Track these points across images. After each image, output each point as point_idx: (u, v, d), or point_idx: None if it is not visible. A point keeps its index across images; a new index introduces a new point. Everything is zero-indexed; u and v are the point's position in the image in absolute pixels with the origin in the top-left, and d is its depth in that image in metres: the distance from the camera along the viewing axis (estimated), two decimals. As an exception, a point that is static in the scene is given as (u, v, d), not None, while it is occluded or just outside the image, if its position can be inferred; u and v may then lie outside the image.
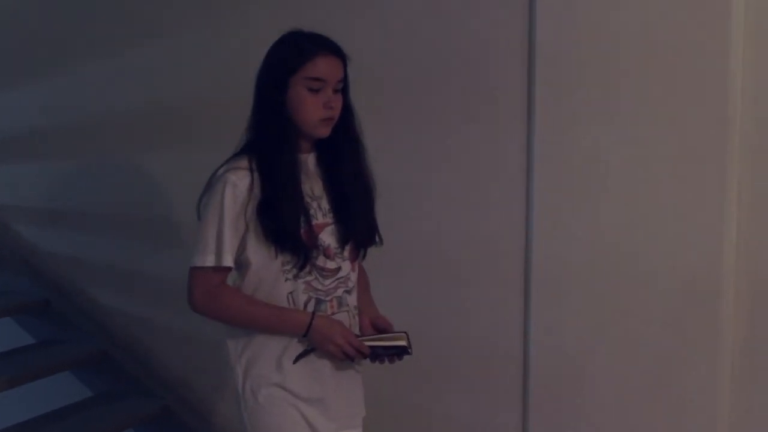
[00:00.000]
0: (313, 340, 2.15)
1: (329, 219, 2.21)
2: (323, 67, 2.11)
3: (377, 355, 2.19)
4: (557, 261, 2.78)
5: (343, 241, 2.23)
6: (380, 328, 2.30)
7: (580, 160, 2.73)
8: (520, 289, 2.84)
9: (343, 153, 2.22)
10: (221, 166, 2.14)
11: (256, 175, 2.10)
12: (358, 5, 3.07)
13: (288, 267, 2.14)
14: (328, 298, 2.20)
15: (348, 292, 2.25)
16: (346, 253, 2.24)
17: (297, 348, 2.17)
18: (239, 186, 2.09)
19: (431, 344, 2.74)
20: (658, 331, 2.67)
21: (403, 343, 2.19)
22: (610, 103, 2.66)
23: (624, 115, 2.66)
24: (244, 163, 2.12)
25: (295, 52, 2.11)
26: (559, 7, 2.71)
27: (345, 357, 2.15)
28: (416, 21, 2.96)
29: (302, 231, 2.12)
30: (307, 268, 2.14)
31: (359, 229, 2.25)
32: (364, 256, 2.34)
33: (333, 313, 2.20)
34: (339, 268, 2.22)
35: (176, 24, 3.54)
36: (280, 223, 2.09)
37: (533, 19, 2.73)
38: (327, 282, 2.19)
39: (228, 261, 2.11)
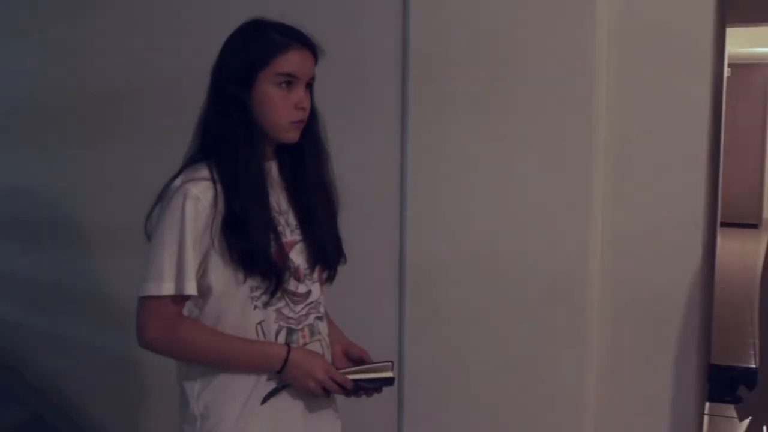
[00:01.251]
0: (290, 376, 1.85)
1: (297, 236, 1.94)
2: (296, 61, 1.84)
3: (359, 389, 1.91)
4: (431, 260, 2.81)
5: (313, 261, 1.96)
6: (354, 357, 2.06)
7: (453, 161, 2.76)
8: (395, 287, 2.85)
9: (308, 160, 1.94)
10: (176, 176, 1.83)
11: (219, 186, 1.80)
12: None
13: (257, 293, 1.84)
14: (299, 327, 1.91)
15: (319, 318, 1.98)
16: (315, 275, 1.98)
17: (265, 387, 1.87)
18: (202, 200, 1.77)
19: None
20: (528, 329, 2.73)
21: (389, 374, 1.92)
22: (481, 103, 2.70)
23: (495, 116, 2.71)
24: (204, 172, 1.81)
25: (264, 43, 1.83)
26: (432, 7, 2.73)
27: (323, 394, 1.88)
28: (291, 17, 2.93)
29: (272, 250, 1.85)
30: (278, 294, 1.86)
31: (329, 246, 1.99)
32: (333, 278, 2.06)
33: (305, 344, 1.91)
34: (309, 292, 1.95)
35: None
36: (250, 241, 1.80)
37: (407, 19, 2.75)
38: (298, 308, 1.91)
39: (190, 289, 1.78)
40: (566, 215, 2.68)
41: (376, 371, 1.92)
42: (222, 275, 1.82)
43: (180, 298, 1.80)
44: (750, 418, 2.52)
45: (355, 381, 1.88)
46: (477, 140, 2.71)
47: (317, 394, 1.88)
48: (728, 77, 10.04)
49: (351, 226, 2.87)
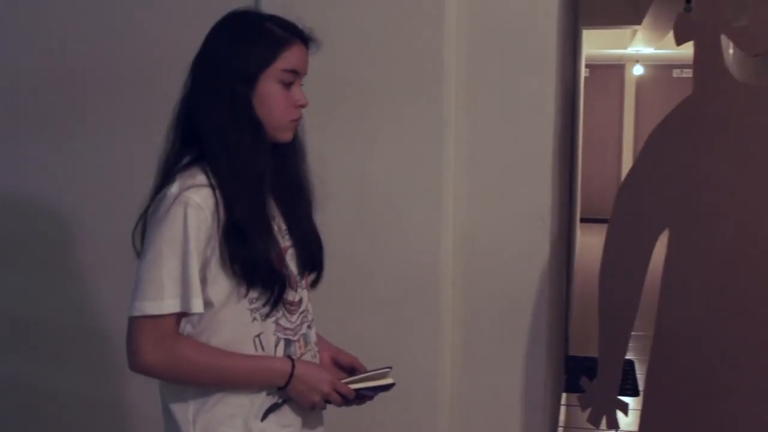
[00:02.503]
0: (295, 391, 1.73)
1: (288, 241, 1.81)
2: (300, 56, 1.75)
3: (360, 398, 1.80)
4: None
5: (302, 267, 1.85)
6: (345, 365, 1.94)
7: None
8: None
9: (292, 161, 1.84)
10: (170, 182, 1.67)
11: (218, 192, 1.65)
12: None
13: (257, 305, 1.71)
14: (296, 338, 1.79)
15: (309, 327, 1.86)
16: (304, 282, 1.86)
17: (265, 402, 1.74)
18: (204, 209, 1.63)
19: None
20: (382, 326, 2.75)
21: (390, 381, 1.82)
22: (334, 103, 2.70)
23: (347, 116, 2.72)
24: (201, 177, 1.66)
25: (270, 39, 1.71)
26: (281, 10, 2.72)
27: (324, 406, 1.79)
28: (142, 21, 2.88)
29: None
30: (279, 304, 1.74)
31: (316, 250, 1.88)
32: (317, 283, 1.94)
33: (302, 354, 1.80)
34: (301, 300, 1.83)
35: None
36: (254, 250, 1.67)
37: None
38: (293, 318, 1.79)
39: (197, 306, 1.63)
40: (418, 213, 2.72)
41: (377, 378, 1.83)
42: (222, 288, 1.67)
43: (178, 316, 1.65)
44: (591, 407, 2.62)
45: (356, 390, 1.78)
46: (330, 140, 2.71)
47: (318, 408, 1.78)
48: (586, 77, 10.41)
49: None
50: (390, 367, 1.85)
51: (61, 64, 2.96)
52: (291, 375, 1.70)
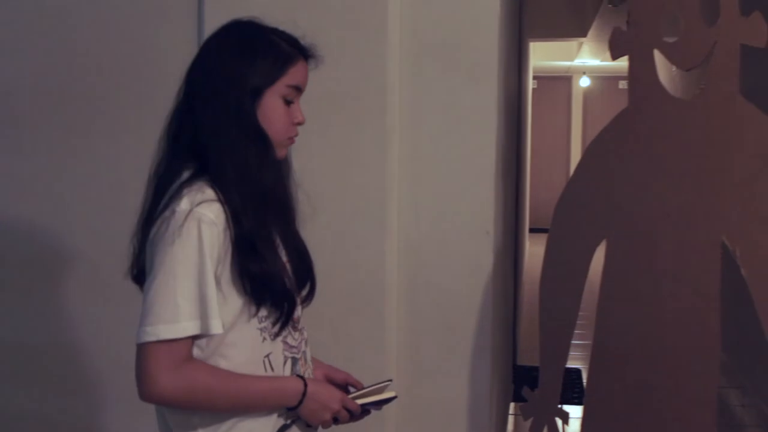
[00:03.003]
0: (307, 410, 1.68)
1: (284, 256, 1.75)
2: (303, 73, 1.71)
3: (364, 412, 1.78)
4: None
5: (301, 282, 1.79)
6: (338, 381, 1.89)
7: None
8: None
9: (283, 176, 1.78)
10: (177, 198, 1.58)
11: (227, 208, 1.59)
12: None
13: (266, 324, 1.65)
14: (299, 355, 1.74)
15: (306, 343, 1.81)
16: (300, 297, 1.79)
17: (276, 423, 1.69)
18: (218, 225, 1.56)
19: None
20: (328, 337, 2.74)
21: (393, 394, 1.81)
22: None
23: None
24: (210, 192, 1.58)
25: (279, 53, 1.67)
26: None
27: (332, 424, 1.74)
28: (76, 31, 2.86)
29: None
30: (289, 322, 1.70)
31: (309, 264, 1.81)
32: (311, 297, 1.86)
33: (304, 372, 1.75)
34: (299, 317, 1.78)
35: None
36: (266, 266, 1.61)
37: (201, 31, 2.73)
38: (296, 335, 1.74)
39: (216, 327, 1.55)
40: (363, 227, 2.73)
41: (379, 392, 1.81)
42: (232, 308, 1.60)
43: (192, 339, 1.56)
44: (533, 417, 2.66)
45: (362, 405, 1.75)
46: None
47: (327, 425, 1.73)
48: (534, 89, 10.53)
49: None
50: (390, 380, 1.85)
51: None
52: (304, 394, 1.65)
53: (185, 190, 1.58)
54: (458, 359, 2.80)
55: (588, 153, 2.49)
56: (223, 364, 1.60)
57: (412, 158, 2.76)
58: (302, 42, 1.73)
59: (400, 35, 2.71)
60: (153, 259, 1.56)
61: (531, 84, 9.25)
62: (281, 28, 1.73)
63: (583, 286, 2.48)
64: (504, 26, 3.07)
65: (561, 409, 2.59)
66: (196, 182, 1.60)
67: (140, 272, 1.68)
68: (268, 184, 1.65)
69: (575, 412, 2.77)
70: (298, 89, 1.70)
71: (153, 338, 1.51)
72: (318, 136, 2.71)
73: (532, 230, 9.45)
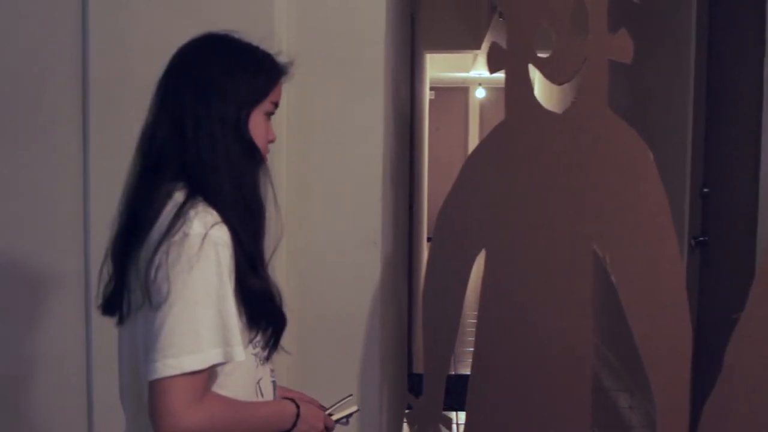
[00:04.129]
0: (299, 431, 1.67)
1: None
2: (281, 89, 1.67)
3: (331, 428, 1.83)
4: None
5: None
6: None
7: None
8: (81, 309, 2.77)
9: None
10: (186, 220, 1.48)
11: (228, 228, 1.52)
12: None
13: (258, 348, 1.61)
14: (275, 379, 1.74)
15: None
16: None
17: None
18: (229, 247, 1.49)
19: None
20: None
21: (356, 408, 1.88)
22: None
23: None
24: (215, 213, 1.51)
25: (266, 68, 1.63)
26: (110, 29, 2.70)
27: None
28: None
29: None
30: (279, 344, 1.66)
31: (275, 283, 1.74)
32: None
33: (276, 396, 1.74)
34: None
35: None
36: (265, 285, 1.58)
37: (86, 43, 2.69)
38: (274, 358, 1.73)
39: (240, 354, 1.47)
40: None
41: (346, 407, 1.86)
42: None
43: (206, 369, 1.46)
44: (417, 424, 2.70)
45: (335, 420, 1.82)
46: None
47: None
48: (431, 99, 10.66)
49: (34, 251, 2.80)
50: (351, 395, 1.89)
51: None
52: (297, 416, 1.65)
53: (192, 212, 1.48)
54: (347, 369, 2.82)
55: (466, 165, 2.56)
56: (223, 393, 1.53)
57: (299, 169, 2.77)
58: (278, 59, 1.68)
59: (287, 48, 2.72)
60: (163, 287, 1.43)
61: (428, 95, 9.36)
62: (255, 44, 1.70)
63: (464, 294, 2.54)
64: (393, 39, 3.12)
65: (445, 415, 2.64)
66: (196, 203, 1.51)
67: (114, 302, 1.60)
68: (261, 201, 1.61)
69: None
70: (276, 105, 1.67)
71: (177, 371, 1.40)
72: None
73: (430, 239, 9.52)
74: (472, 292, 2.64)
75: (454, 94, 13.14)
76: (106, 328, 1.73)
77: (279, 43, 2.70)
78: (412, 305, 5.39)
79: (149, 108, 1.63)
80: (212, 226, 1.47)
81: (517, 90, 2.43)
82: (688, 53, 3.89)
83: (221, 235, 1.47)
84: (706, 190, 3.84)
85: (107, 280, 1.61)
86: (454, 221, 2.58)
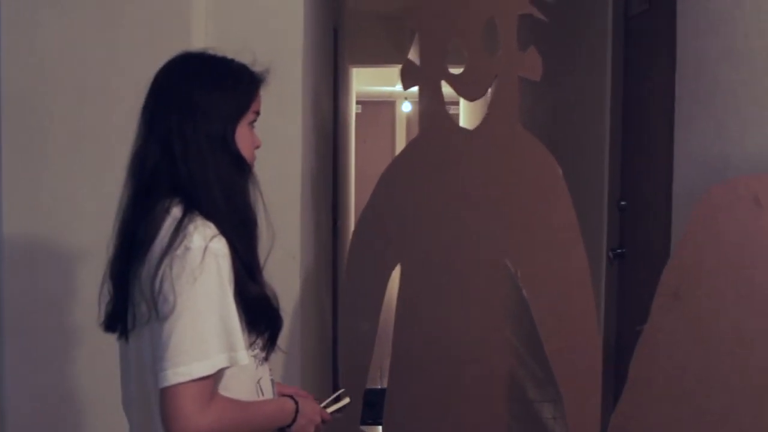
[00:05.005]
0: (298, 426, 1.73)
1: None
2: (260, 97, 1.72)
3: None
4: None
5: None
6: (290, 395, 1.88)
7: (49, 191, 2.69)
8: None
9: None
10: (187, 234, 1.53)
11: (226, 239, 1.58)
12: None
13: (257, 349, 1.67)
14: (273, 378, 1.78)
15: None
16: None
17: None
18: (228, 258, 1.55)
19: None
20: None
21: (348, 400, 1.93)
22: (76, 146, 2.66)
23: (89, 146, 2.67)
24: (212, 227, 1.56)
25: (246, 80, 1.68)
26: (24, 53, 2.66)
27: None
28: None
29: None
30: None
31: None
32: None
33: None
34: None
35: None
36: (262, 291, 1.65)
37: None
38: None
39: (244, 358, 1.54)
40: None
41: (339, 400, 1.90)
42: None
43: (212, 374, 1.53)
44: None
45: (331, 413, 1.87)
46: (73, 189, 2.67)
47: None
48: (358, 113, 10.71)
49: None
50: (343, 389, 1.95)
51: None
52: (296, 411, 1.72)
53: (191, 226, 1.54)
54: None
55: (382, 180, 2.57)
56: (227, 394, 1.60)
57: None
58: (254, 68, 1.72)
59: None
60: (169, 299, 1.49)
61: (354, 108, 9.40)
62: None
63: (380, 309, 2.55)
64: (313, 52, 3.12)
65: (361, 430, 2.64)
66: (194, 217, 1.56)
67: (117, 318, 1.64)
68: (253, 210, 1.66)
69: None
70: (258, 113, 1.71)
71: (188, 378, 1.47)
72: (122, 158, 2.66)
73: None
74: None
75: (381, 107, 13.22)
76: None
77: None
78: (336, 319, 5.38)
79: (137, 131, 1.67)
80: (211, 238, 1.52)
81: (430, 106, 2.46)
82: (604, 69, 3.98)
83: (220, 247, 1.53)
84: (623, 203, 3.91)
85: (108, 300, 1.66)
86: (369, 236, 2.59)
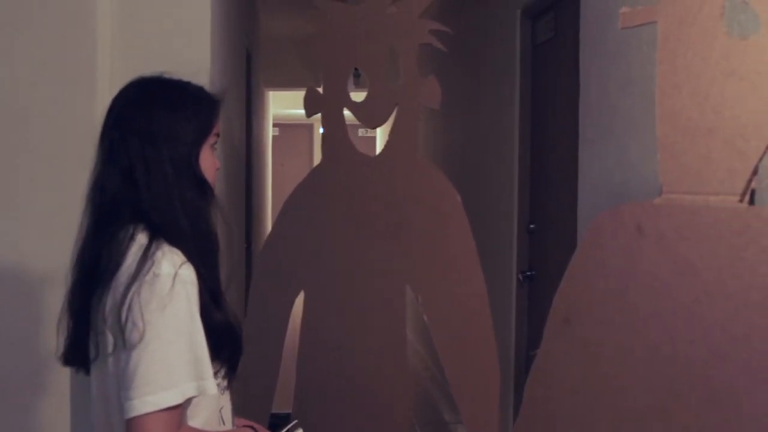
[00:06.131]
0: None
1: None
2: (219, 119, 1.67)
3: None
4: None
5: None
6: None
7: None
8: None
9: None
10: (156, 261, 1.49)
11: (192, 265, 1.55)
12: None
13: (220, 377, 1.61)
14: (232, 406, 1.74)
15: None
16: None
17: None
18: (196, 285, 1.51)
19: None
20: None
21: (301, 431, 1.85)
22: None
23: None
24: (180, 253, 1.52)
25: (206, 104, 1.63)
26: None
27: None
28: None
29: None
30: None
31: None
32: None
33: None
34: None
35: None
36: (226, 316, 1.58)
37: None
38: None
39: (212, 387, 1.51)
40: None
41: (294, 431, 1.83)
42: None
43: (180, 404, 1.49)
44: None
45: None
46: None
47: None
48: (276, 136, 10.70)
49: None
50: (297, 421, 1.85)
51: None
52: None
53: (159, 253, 1.50)
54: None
55: (285, 207, 2.58)
56: (191, 423, 1.56)
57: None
58: (210, 89, 1.68)
59: (109, 79, 2.67)
60: (137, 327, 1.45)
61: (271, 131, 9.39)
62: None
63: (285, 335, 2.55)
64: (221, 77, 3.12)
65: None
66: (162, 244, 1.52)
67: (78, 350, 1.60)
68: (216, 234, 1.62)
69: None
70: (219, 134, 1.68)
71: (156, 408, 1.43)
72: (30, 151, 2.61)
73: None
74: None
75: (299, 130, 13.24)
76: None
77: (101, 77, 2.65)
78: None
79: (95, 158, 1.61)
80: (180, 265, 1.49)
81: (332, 133, 2.48)
82: (513, 95, 4.05)
83: (189, 274, 1.49)
84: (532, 226, 3.98)
85: (67, 333, 1.61)
86: (273, 262, 2.59)
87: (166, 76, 1.66)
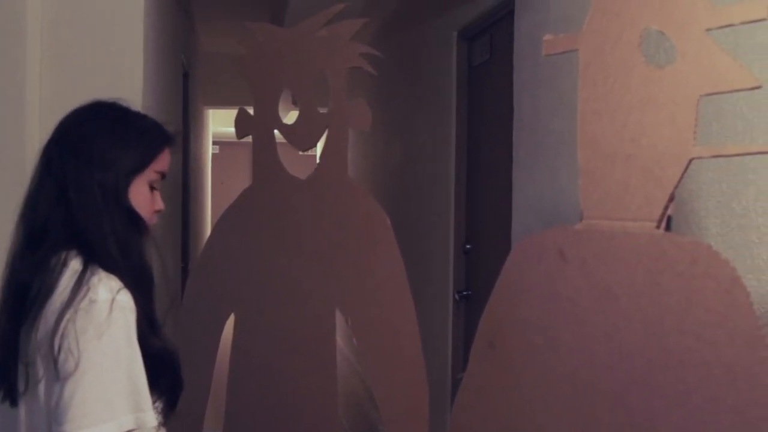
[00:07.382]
0: None
1: None
2: (169, 159, 1.65)
3: None
4: None
5: None
6: None
7: None
8: None
9: None
10: (92, 287, 1.44)
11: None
12: None
13: (158, 410, 1.54)
14: None
15: None
16: None
17: None
18: (134, 311, 1.46)
19: None
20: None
21: None
22: None
23: None
24: (116, 279, 1.47)
25: (150, 137, 1.61)
26: None
27: None
28: None
29: None
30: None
31: None
32: None
33: None
34: None
35: None
36: (163, 344, 1.55)
37: None
38: None
39: (152, 419, 1.45)
40: None
41: None
42: None
43: None
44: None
45: None
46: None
47: None
48: (215, 154, 10.63)
49: None
50: None
51: None
52: None
53: (95, 278, 1.45)
54: None
55: (215, 229, 2.57)
56: None
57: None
58: (166, 128, 1.67)
59: (39, 92, 2.63)
60: (72, 355, 1.39)
61: (211, 149, 9.33)
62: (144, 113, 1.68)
63: (215, 357, 2.53)
64: (155, 96, 3.09)
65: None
66: (97, 270, 1.47)
67: (5, 381, 1.51)
68: (149, 268, 1.58)
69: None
70: (163, 175, 1.65)
71: None
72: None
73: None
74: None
75: (239, 148, 13.15)
76: None
77: (31, 89, 2.60)
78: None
79: (32, 176, 1.59)
80: (118, 291, 1.44)
81: (263, 155, 2.48)
82: (450, 117, 4.09)
83: (127, 300, 1.45)
84: (468, 246, 4.01)
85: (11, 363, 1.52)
86: (204, 284, 2.57)
87: (123, 103, 1.66)
